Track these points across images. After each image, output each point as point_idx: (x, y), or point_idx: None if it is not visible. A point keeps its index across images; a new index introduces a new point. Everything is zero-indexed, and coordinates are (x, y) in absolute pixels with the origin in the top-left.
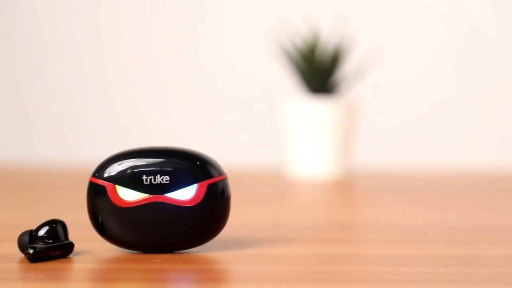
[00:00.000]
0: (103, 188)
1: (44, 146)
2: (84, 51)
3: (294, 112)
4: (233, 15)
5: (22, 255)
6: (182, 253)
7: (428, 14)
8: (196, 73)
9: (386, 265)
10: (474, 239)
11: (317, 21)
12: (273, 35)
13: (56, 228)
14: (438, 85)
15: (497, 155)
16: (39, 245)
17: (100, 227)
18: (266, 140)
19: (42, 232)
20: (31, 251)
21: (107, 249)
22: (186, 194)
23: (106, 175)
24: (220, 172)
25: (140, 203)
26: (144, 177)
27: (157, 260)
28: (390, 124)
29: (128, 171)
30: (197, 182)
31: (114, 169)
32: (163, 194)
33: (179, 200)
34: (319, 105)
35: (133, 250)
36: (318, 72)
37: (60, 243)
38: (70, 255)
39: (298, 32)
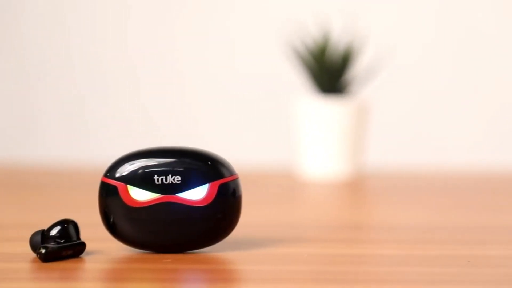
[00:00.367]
0: (114, 188)
1: (52, 146)
2: (91, 50)
3: (304, 112)
4: (243, 16)
5: (34, 254)
6: (193, 253)
7: (439, 15)
8: (206, 73)
9: (396, 265)
10: (487, 239)
11: (327, 21)
12: (284, 36)
13: (68, 228)
14: (448, 85)
15: None
16: (51, 245)
17: (112, 227)
18: (276, 140)
19: (54, 232)
20: (43, 250)
21: (119, 249)
22: (197, 194)
23: (117, 175)
24: (231, 172)
25: (152, 203)
26: (156, 177)
27: (168, 260)
28: (401, 124)
29: (140, 171)
30: (208, 182)
31: (125, 169)
32: (174, 194)
33: (191, 200)
34: (330, 105)
35: (145, 250)
36: (329, 72)
37: (72, 243)
38: (82, 255)
39: (308, 32)
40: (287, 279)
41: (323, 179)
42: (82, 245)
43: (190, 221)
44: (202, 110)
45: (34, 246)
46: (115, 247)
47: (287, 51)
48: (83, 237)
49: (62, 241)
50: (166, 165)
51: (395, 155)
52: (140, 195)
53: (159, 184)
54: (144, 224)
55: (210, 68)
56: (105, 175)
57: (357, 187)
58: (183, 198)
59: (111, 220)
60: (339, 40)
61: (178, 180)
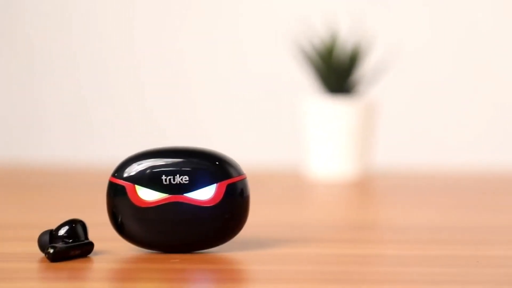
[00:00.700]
0: (122, 188)
1: (56, 146)
2: (95, 50)
3: (312, 112)
4: (251, 16)
5: (42, 254)
6: (201, 253)
7: (446, 15)
8: (213, 73)
9: (404, 265)
10: (491, 239)
11: (335, 21)
12: (292, 36)
13: (76, 227)
14: (456, 85)
15: None
16: (59, 244)
17: (120, 227)
18: (284, 140)
19: (62, 232)
20: (51, 250)
21: (127, 248)
22: (205, 194)
23: (125, 175)
24: (239, 172)
25: (160, 203)
26: (164, 177)
27: (176, 260)
28: (408, 124)
29: (148, 171)
30: (216, 182)
31: (133, 169)
32: (182, 194)
33: (198, 200)
34: (337, 105)
35: (153, 250)
36: (336, 72)
37: (80, 242)
38: (90, 255)
39: (316, 32)
40: (295, 279)
41: (330, 179)
42: (90, 245)
43: (198, 221)
44: (209, 110)
45: (42, 246)
46: (123, 247)
47: (295, 51)
48: (91, 237)
49: (70, 241)
50: (174, 165)
51: (403, 155)
52: (148, 195)
53: (167, 184)
54: (152, 224)
55: (217, 68)
56: (113, 175)
57: (364, 187)
58: (191, 198)
59: (119, 220)
60: (346, 40)
61: (186, 180)
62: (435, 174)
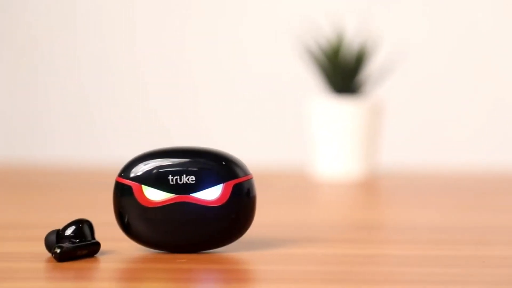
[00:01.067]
0: (129, 188)
1: (59, 146)
2: (98, 50)
3: (318, 112)
4: (257, 16)
5: (49, 254)
6: (208, 253)
7: (453, 15)
8: (219, 74)
9: (410, 266)
10: (494, 239)
11: (341, 21)
12: (298, 36)
13: (83, 227)
14: (463, 85)
15: None
16: (66, 244)
17: (126, 227)
18: (290, 140)
19: (68, 232)
20: (58, 250)
21: (133, 248)
22: (211, 194)
23: (132, 175)
24: (245, 172)
25: (166, 203)
26: (170, 177)
27: (183, 260)
28: (414, 124)
29: (154, 171)
30: (222, 182)
31: (140, 169)
32: (189, 194)
33: (205, 200)
34: (343, 105)
35: (159, 249)
36: (343, 72)
37: (87, 242)
38: (97, 255)
39: (322, 33)
40: (301, 279)
41: (336, 179)
42: (97, 245)
43: (205, 221)
44: (215, 110)
45: (49, 246)
46: (129, 247)
47: (301, 51)
48: (98, 237)
49: (77, 240)
50: (180, 165)
51: (408, 155)
52: (154, 195)
53: (173, 184)
54: (159, 224)
55: (222, 68)
56: (120, 175)
57: (370, 187)
58: (197, 198)
59: (126, 220)
60: (352, 40)
61: (192, 180)
62: (441, 174)
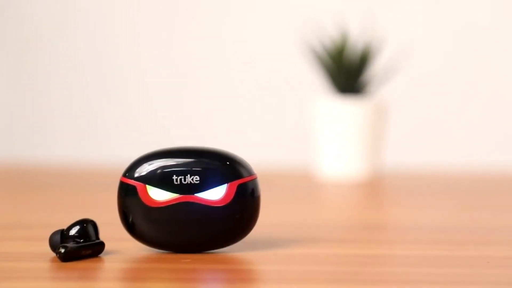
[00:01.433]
0: (133, 188)
1: (62, 146)
2: (101, 51)
3: (322, 112)
4: (261, 15)
5: (53, 254)
6: (212, 253)
7: (457, 15)
8: (223, 74)
9: (414, 266)
10: (495, 239)
11: (345, 21)
12: (302, 36)
13: (87, 227)
14: (467, 85)
15: None
16: (70, 244)
17: (131, 227)
18: (294, 140)
19: (73, 232)
20: (62, 250)
21: (138, 248)
22: (216, 194)
23: (136, 175)
24: (250, 172)
25: (170, 203)
26: (174, 177)
27: (187, 260)
28: (418, 124)
29: (159, 171)
30: (227, 182)
31: (144, 169)
32: (193, 194)
33: (209, 200)
34: (347, 105)
35: (163, 249)
36: (347, 72)
37: (91, 242)
38: (101, 255)
39: (326, 32)
40: (305, 280)
41: (340, 179)
42: (101, 245)
43: (209, 221)
44: (219, 110)
45: (54, 246)
46: (133, 247)
47: (305, 51)
48: (102, 236)
49: (81, 240)
50: (184, 165)
51: (412, 155)
52: (159, 195)
53: (177, 184)
54: (163, 224)
55: (226, 68)
56: (124, 175)
57: (374, 187)
58: (201, 198)
59: (130, 220)
60: (357, 40)
61: (196, 180)
62: (445, 174)
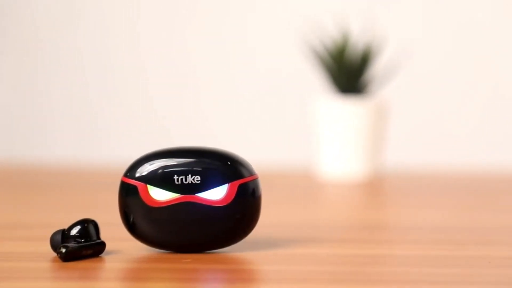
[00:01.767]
0: (134, 188)
1: (62, 146)
2: (101, 50)
3: (323, 112)
4: (262, 15)
5: (54, 254)
6: (213, 253)
7: (458, 15)
8: (223, 74)
9: (414, 266)
10: (496, 239)
11: (346, 21)
12: (303, 36)
13: (88, 227)
14: (468, 85)
15: None
16: (71, 244)
17: (132, 227)
18: (295, 140)
19: (74, 232)
20: (63, 250)
21: (139, 248)
22: (217, 194)
23: (137, 175)
24: (251, 172)
25: (171, 203)
26: (175, 177)
27: (188, 260)
28: (419, 124)
29: (160, 171)
30: (228, 182)
31: (145, 169)
32: (194, 194)
33: (210, 200)
34: (348, 106)
35: (164, 249)
36: (348, 72)
37: (92, 242)
38: (102, 255)
39: (327, 32)
40: (306, 280)
41: (341, 179)
42: (102, 245)
43: (210, 221)
44: (219, 110)
45: (55, 246)
46: (134, 247)
47: (306, 51)
48: (103, 236)
49: (82, 240)
50: (185, 165)
51: (413, 155)
52: (160, 195)
53: (178, 184)
54: (164, 224)
55: (226, 68)
56: (125, 175)
57: (375, 187)
58: (202, 198)
59: (131, 220)
60: (358, 40)
61: (197, 180)
62: (444, 174)
